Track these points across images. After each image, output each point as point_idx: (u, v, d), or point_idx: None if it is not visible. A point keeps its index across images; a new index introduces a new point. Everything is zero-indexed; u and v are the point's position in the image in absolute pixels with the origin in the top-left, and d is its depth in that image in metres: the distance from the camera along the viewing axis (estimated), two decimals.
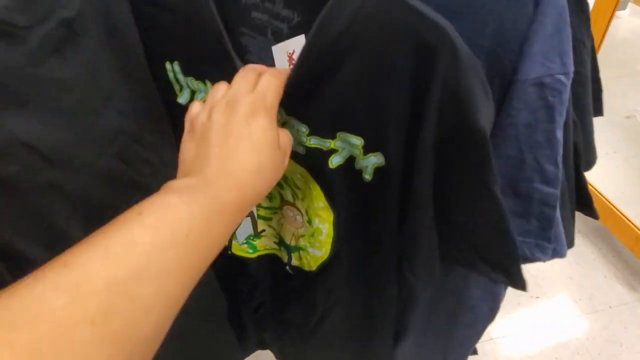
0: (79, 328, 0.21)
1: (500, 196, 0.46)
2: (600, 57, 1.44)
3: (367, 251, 0.57)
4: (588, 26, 0.50)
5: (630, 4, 2.74)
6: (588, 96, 0.52)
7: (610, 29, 1.38)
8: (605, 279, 1.45)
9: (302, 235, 0.59)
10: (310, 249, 0.60)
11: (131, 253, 0.24)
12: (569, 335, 1.30)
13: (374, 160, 0.48)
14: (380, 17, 0.39)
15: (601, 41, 1.38)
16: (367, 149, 0.47)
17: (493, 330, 1.30)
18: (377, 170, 0.49)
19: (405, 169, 0.48)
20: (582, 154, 0.49)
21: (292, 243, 0.62)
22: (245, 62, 0.45)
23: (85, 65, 0.36)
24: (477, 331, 0.76)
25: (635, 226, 1.38)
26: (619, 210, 1.43)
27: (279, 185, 0.58)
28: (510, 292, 1.50)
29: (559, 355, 1.25)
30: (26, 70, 0.31)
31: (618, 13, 2.74)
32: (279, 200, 0.60)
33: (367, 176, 0.49)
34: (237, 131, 0.35)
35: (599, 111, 0.62)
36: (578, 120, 0.51)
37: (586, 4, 0.48)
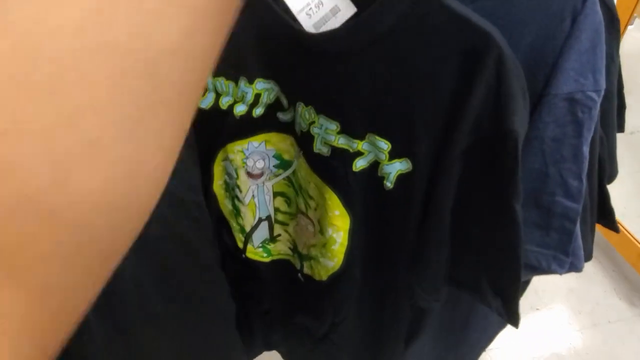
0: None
1: (520, 216, 0.46)
2: None
3: (382, 262, 0.57)
4: (618, 41, 0.50)
5: (637, 20, 2.75)
6: (614, 111, 0.52)
7: None
8: (605, 294, 1.45)
9: (313, 245, 0.59)
10: (321, 259, 0.59)
11: None
12: (567, 348, 1.30)
13: (399, 166, 0.48)
14: (426, 22, 0.39)
15: None
16: (393, 155, 0.47)
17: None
18: (400, 178, 0.48)
19: (431, 176, 0.47)
20: (606, 168, 0.49)
21: (304, 252, 0.61)
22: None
23: None
24: (488, 336, 0.77)
25: (638, 242, 1.38)
26: (622, 226, 1.44)
27: (295, 192, 0.58)
28: None
29: None
30: None
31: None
32: (295, 207, 0.59)
33: (389, 184, 0.49)
34: None
35: (620, 127, 0.62)
36: (604, 134, 0.51)
37: (617, 20, 0.48)
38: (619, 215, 1.50)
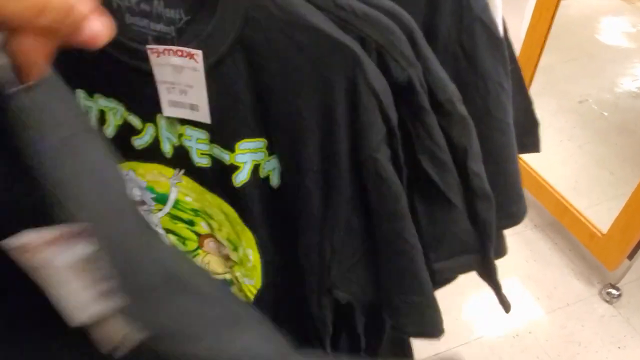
0: None
1: None
2: (551, 41, 1.39)
3: (298, 271, 0.52)
4: (506, 67, 0.43)
5: None
6: (510, 144, 0.46)
7: (561, 11, 1.32)
8: (562, 276, 1.43)
9: (235, 264, 0.53)
10: (245, 279, 0.54)
11: None
12: (528, 337, 1.28)
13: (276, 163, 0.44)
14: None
15: (550, 24, 1.33)
16: (271, 150, 0.43)
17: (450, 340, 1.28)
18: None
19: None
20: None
21: (227, 277, 0.55)
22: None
23: None
24: None
25: (589, 222, 1.36)
26: (573, 207, 1.40)
27: (189, 223, 0.52)
28: (470, 292, 1.45)
29: None
30: None
31: None
32: (195, 239, 0.53)
33: (275, 180, 0.44)
34: None
35: (534, 146, 0.56)
36: (500, 169, 0.46)
37: (502, 44, 0.42)
38: (569, 190, 1.46)
